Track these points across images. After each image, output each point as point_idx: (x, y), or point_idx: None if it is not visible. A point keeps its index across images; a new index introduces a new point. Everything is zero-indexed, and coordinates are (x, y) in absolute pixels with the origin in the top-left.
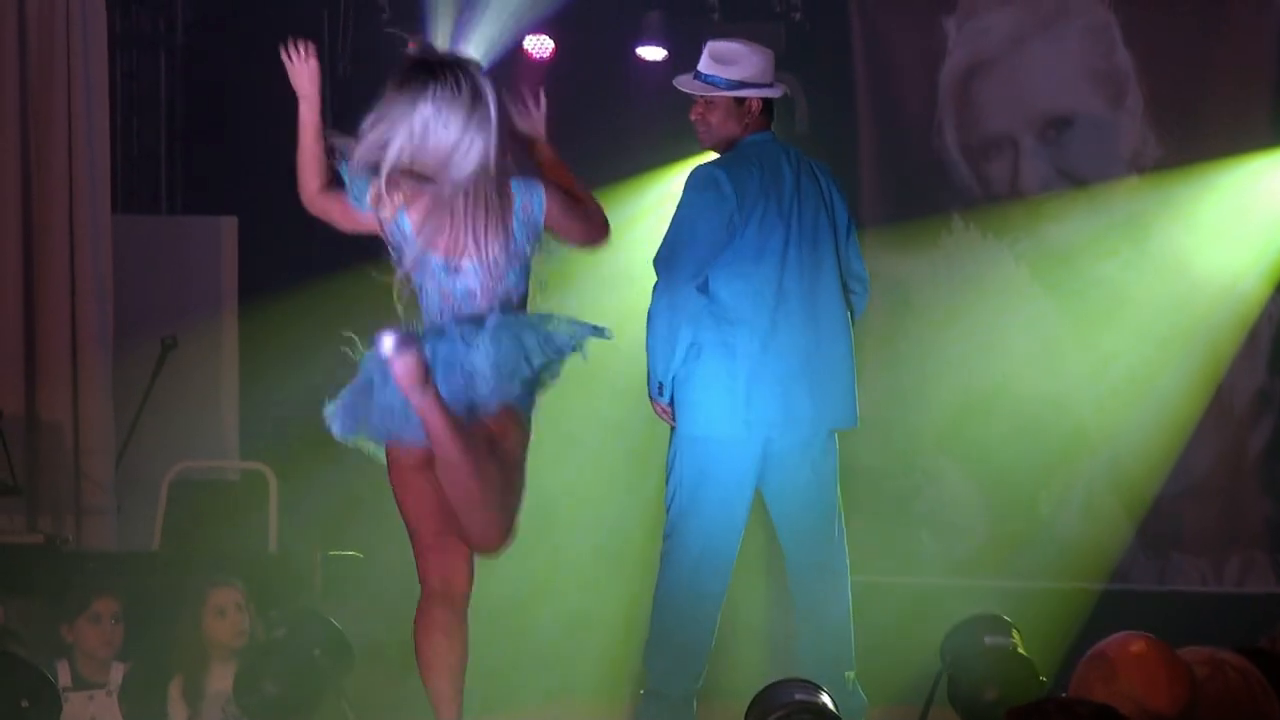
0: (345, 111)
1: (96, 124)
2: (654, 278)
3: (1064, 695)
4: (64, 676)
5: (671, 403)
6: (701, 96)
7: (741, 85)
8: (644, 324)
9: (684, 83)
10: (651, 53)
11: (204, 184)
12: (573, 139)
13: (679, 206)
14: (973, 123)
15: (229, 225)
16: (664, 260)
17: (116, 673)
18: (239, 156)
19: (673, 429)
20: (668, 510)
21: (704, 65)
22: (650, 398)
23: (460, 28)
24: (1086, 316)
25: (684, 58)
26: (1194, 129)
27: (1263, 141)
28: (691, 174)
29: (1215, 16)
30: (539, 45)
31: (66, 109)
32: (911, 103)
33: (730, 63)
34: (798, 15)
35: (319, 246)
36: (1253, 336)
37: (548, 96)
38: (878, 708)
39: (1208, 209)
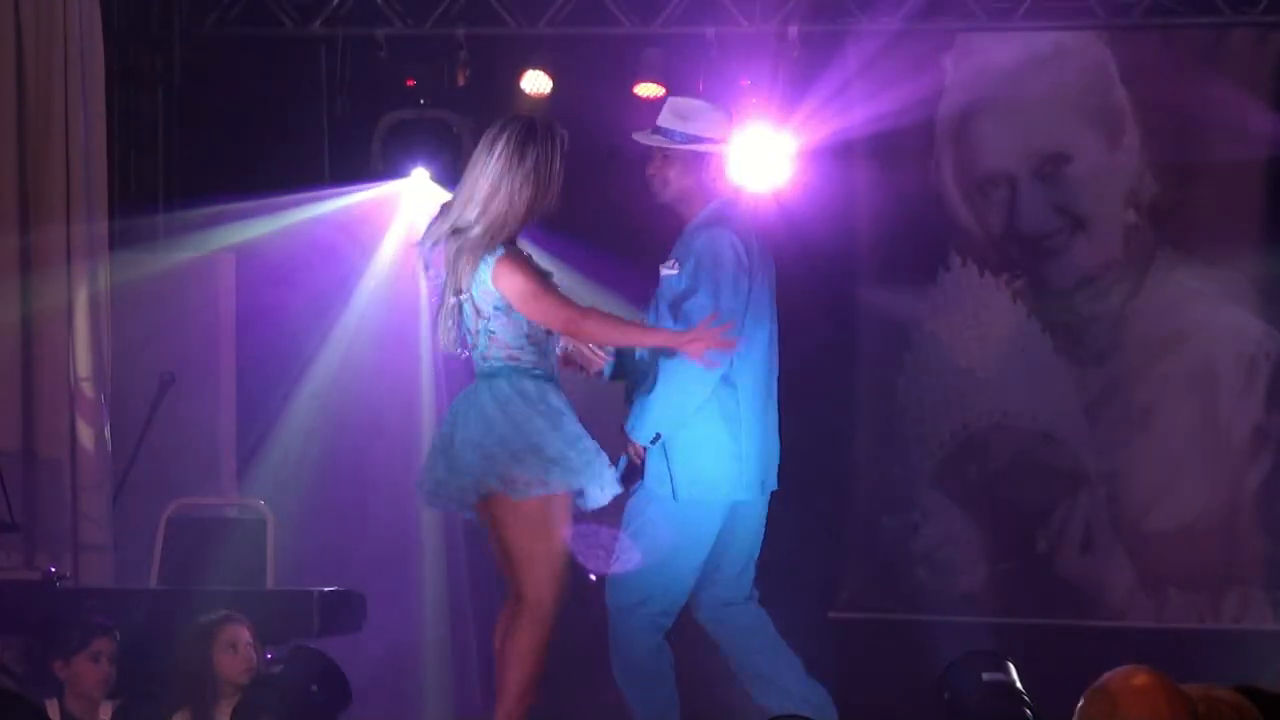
0: (344, 149)
1: (94, 161)
2: None
3: None
4: (53, 715)
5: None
6: (659, 151)
7: (699, 140)
8: None
9: (642, 136)
10: (649, 90)
11: (201, 221)
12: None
13: (718, 272)
14: (970, 160)
15: (226, 262)
16: None
17: (105, 712)
18: (236, 194)
19: (638, 486)
20: (623, 571)
21: (662, 120)
22: (632, 438)
23: None
24: (1084, 354)
25: (684, 94)
26: (1191, 166)
27: (1258, 177)
28: (718, 242)
29: (1211, 54)
30: (536, 83)
31: (64, 145)
32: (909, 140)
33: (689, 118)
34: (795, 54)
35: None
36: (1250, 373)
37: None
38: None
39: (1205, 247)
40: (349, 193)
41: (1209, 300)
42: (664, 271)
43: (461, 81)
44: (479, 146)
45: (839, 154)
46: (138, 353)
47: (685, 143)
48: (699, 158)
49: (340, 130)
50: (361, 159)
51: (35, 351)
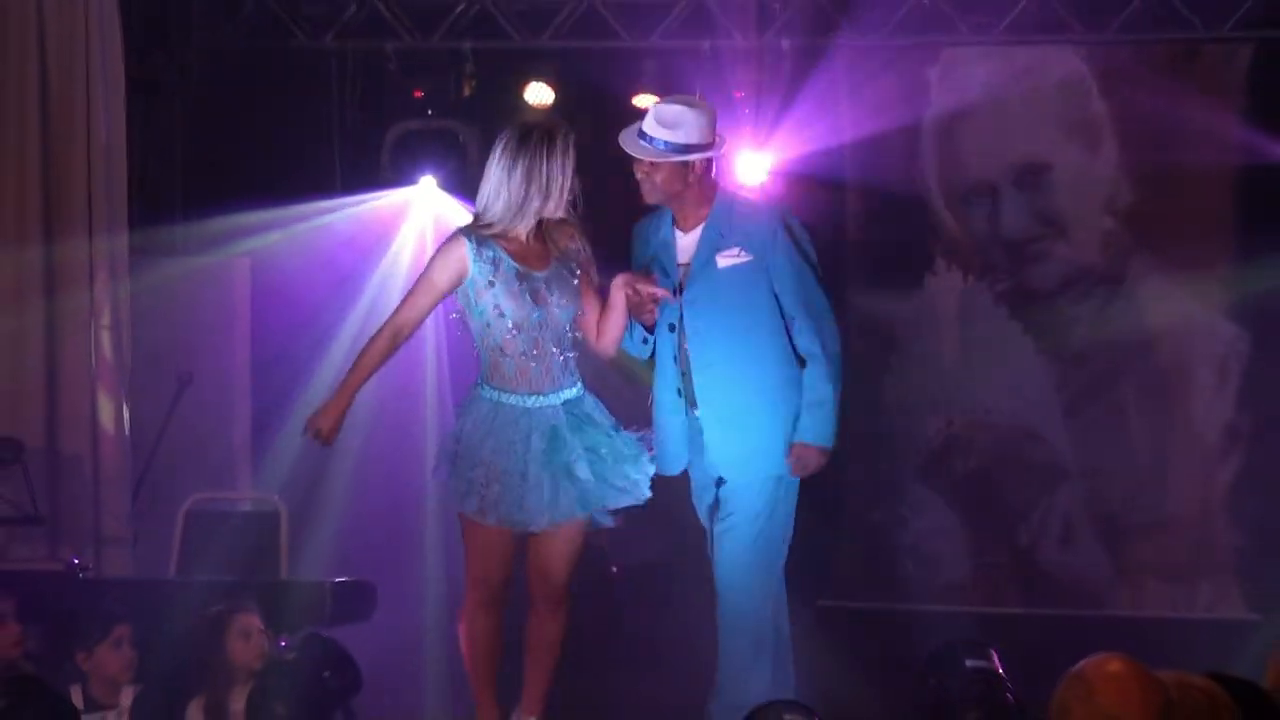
0: (355, 158)
1: (114, 169)
2: None
3: (1042, 716)
4: (76, 701)
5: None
6: (647, 159)
7: (686, 149)
8: None
9: (630, 145)
10: (647, 101)
11: (217, 227)
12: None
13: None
14: (954, 169)
15: (242, 266)
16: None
17: (126, 696)
18: (251, 199)
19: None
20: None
21: (649, 128)
22: (826, 449)
23: None
24: (1063, 354)
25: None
26: (1165, 175)
27: (1229, 185)
28: (795, 221)
29: (1184, 68)
30: (539, 94)
31: (86, 154)
32: (896, 150)
33: (674, 126)
34: (787, 67)
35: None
36: (1222, 374)
37: None
38: None
39: (1179, 252)
40: (359, 200)
41: (1183, 303)
42: (730, 260)
43: (467, 93)
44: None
45: (827, 161)
46: (157, 353)
47: (671, 152)
48: (686, 163)
49: (351, 139)
50: (371, 167)
51: (59, 352)
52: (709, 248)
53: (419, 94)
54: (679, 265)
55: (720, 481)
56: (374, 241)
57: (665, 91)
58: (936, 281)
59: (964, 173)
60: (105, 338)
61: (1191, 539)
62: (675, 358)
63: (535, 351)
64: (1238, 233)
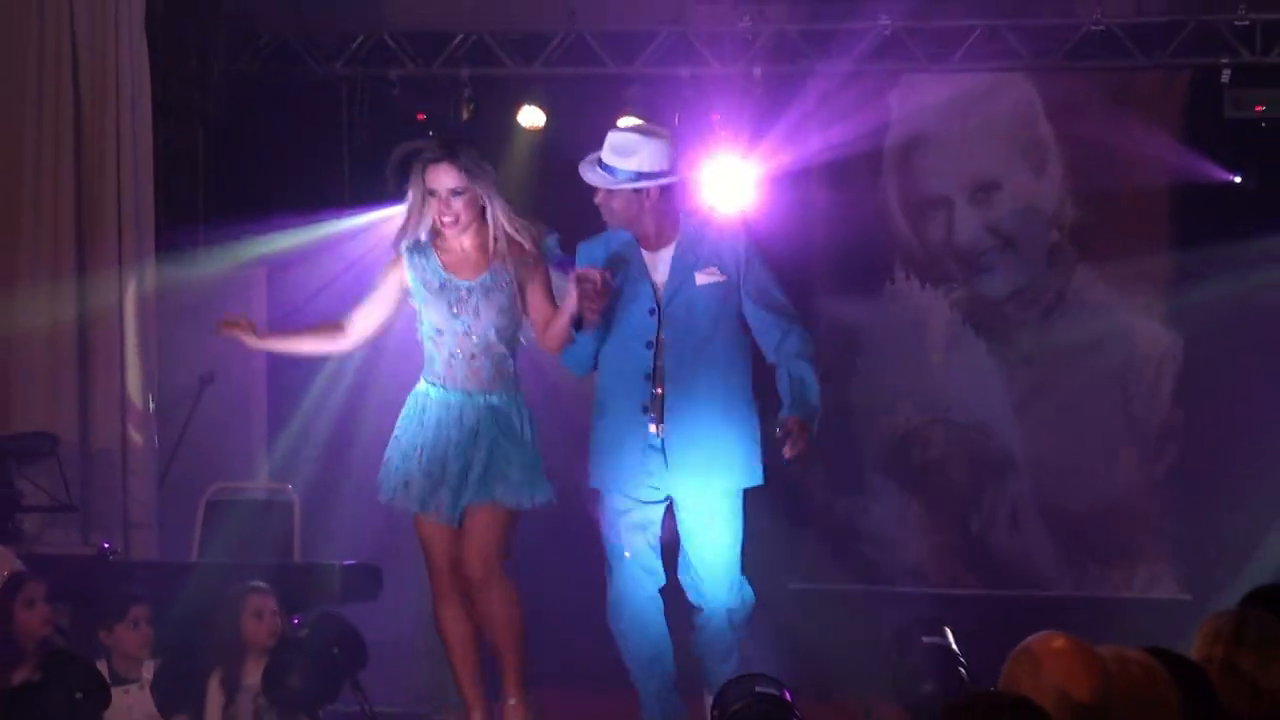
0: (362, 176)
1: (142, 185)
2: None
3: (993, 689)
4: (103, 672)
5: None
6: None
7: (639, 176)
8: None
9: (588, 175)
10: (630, 123)
11: (236, 239)
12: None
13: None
14: (913, 185)
15: (258, 275)
16: None
17: (148, 670)
18: (267, 213)
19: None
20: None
21: (605, 156)
22: (813, 432)
23: None
24: (1013, 356)
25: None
26: (1107, 192)
27: (1166, 202)
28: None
29: (1125, 93)
30: (531, 117)
31: (116, 171)
32: (860, 168)
33: (629, 154)
34: (760, 92)
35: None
36: (1158, 374)
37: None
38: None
39: (1119, 263)
40: (366, 213)
41: (1122, 310)
42: (707, 279)
43: (466, 116)
44: None
45: (798, 179)
46: (180, 355)
47: (626, 181)
48: (641, 191)
49: (358, 158)
50: (378, 183)
51: (91, 354)
52: (685, 267)
53: (421, 116)
54: (656, 284)
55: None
56: (379, 252)
57: (649, 114)
58: (896, 289)
59: (921, 189)
60: (133, 340)
61: (1129, 526)
62: (647, 375)
63: (459, 354)
64: (1173, 246)
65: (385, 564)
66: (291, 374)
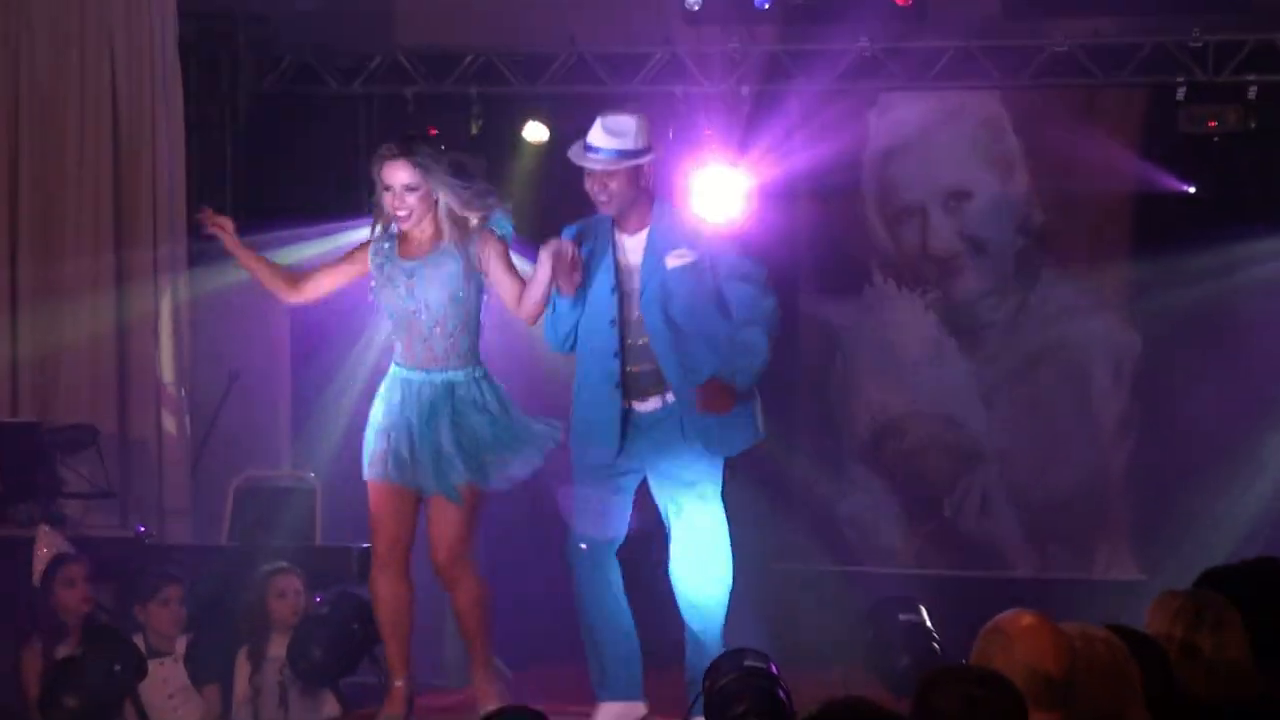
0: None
1: (176, 195)
2: None
3: (964, 663)
4: (140, 646)
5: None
6: (601, 169)
7: (638, 154)
8: None
9: (583, 159)
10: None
11: (264, 244)
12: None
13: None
14: (890, 194)
15: None
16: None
17: (181, 644)
18: (290, 219)
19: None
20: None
21: (597, 140)
22: (734, 397)
23: None
24: (982, 354)
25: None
26: (1070, 200)
27: (1125, 210)
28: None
29: (1087, 109)
30: (535, 132)
31: (151, 183)
32: (841, 178)
33: (622, 134)
34: (748, 109)
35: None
36: (1117, 370)
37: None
38: (808, 672)
39: (1081, 267)
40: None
41: (1084, 310)
42: (678, 261)
43: (475, 130)
44: None
45: (783, 188)
46: (210, 354)
47: (625, 159)
48: (637, 169)
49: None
50: None
51: (128, 352)
52: (657, 250)
53: (433, 131)
54: (624, 266)
55: (658, 466)
56: None
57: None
58: (874, 291)
59: (898, 197)
60: (167, 338)
61: (1090, 511)
62: (616, 352)
63: (415, 332)
64: (1131, 252)
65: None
66: (313, 369)
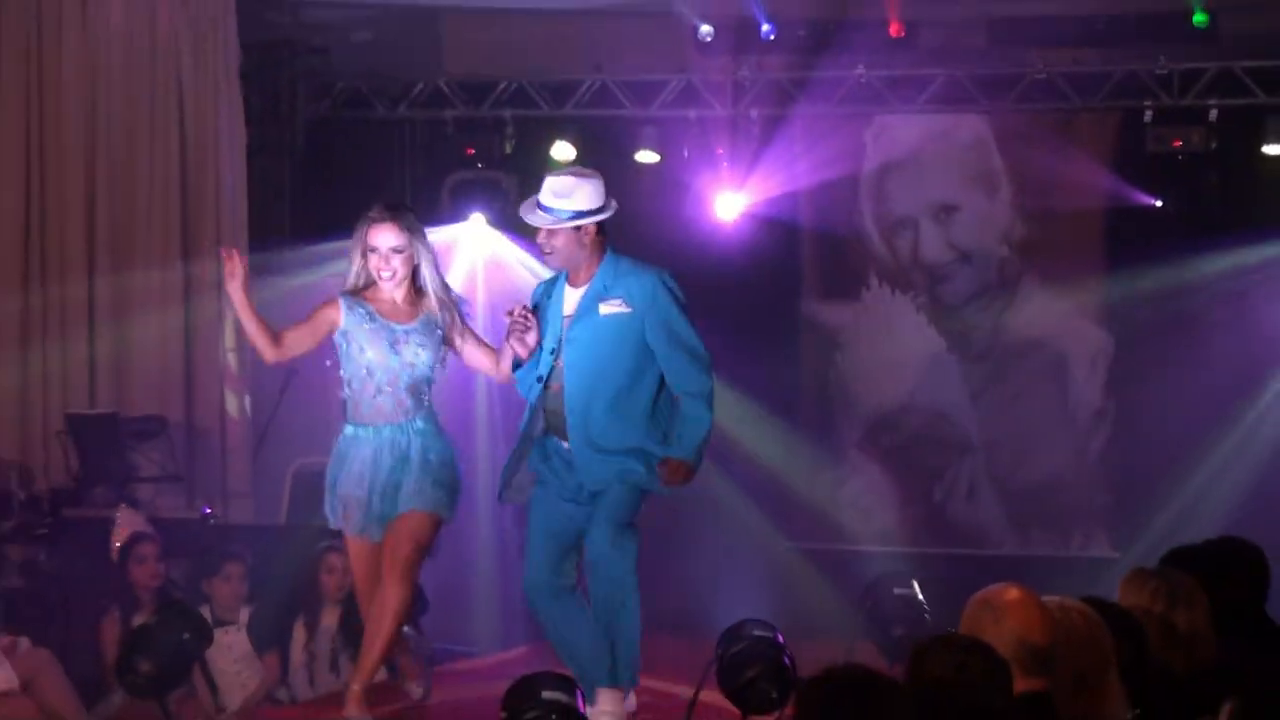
0: (421, 200)
1: (238, 210)
2: None
3: (952, 631)
4: (207, 617)
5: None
6: (544, 227)
7: (579, 215)
8: None
9: (530, 217)
10: (647, 157)
11: (317, 253)
12: None
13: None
14: (885, 208)
15: (334, 282)
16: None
17: (244, 614)
18: (341, 231)
19: (643, 491)
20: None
21: (545, 199)
22: (693, 470)
23: None
24: (969, 353)
25: (673, 162)
26: (1049, 214)
27: (1099, 222)
28: (673, 283)
29: (1064, 131)
30: (563, 152)
31: (215, 199)
32: (840, 193)
33: (566, 195)
34: (756, 130)
35: None
36: (1092, 368)
37: None
38: (812, 641)
39: (1059, 274)
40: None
41: (1062, 314)
42: (611, 309)
43: (508, 150)
44: None
45: (788, 202)
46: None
47: (568, 220)
48: (580, 228)
49: (418, 185)
50: (434, 207)
51: (195, 350)
52: (594, 297)
53: (470, 151)
54: (564, 316)
55: (579, 497)
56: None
57: (662, 149)
58: (870, 295)
59: (892, 211)
60: (230, 339)
61: (1067, 495)
62: (542, 407)
63: (388, 390)
64: (1105, 259)
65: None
66: None
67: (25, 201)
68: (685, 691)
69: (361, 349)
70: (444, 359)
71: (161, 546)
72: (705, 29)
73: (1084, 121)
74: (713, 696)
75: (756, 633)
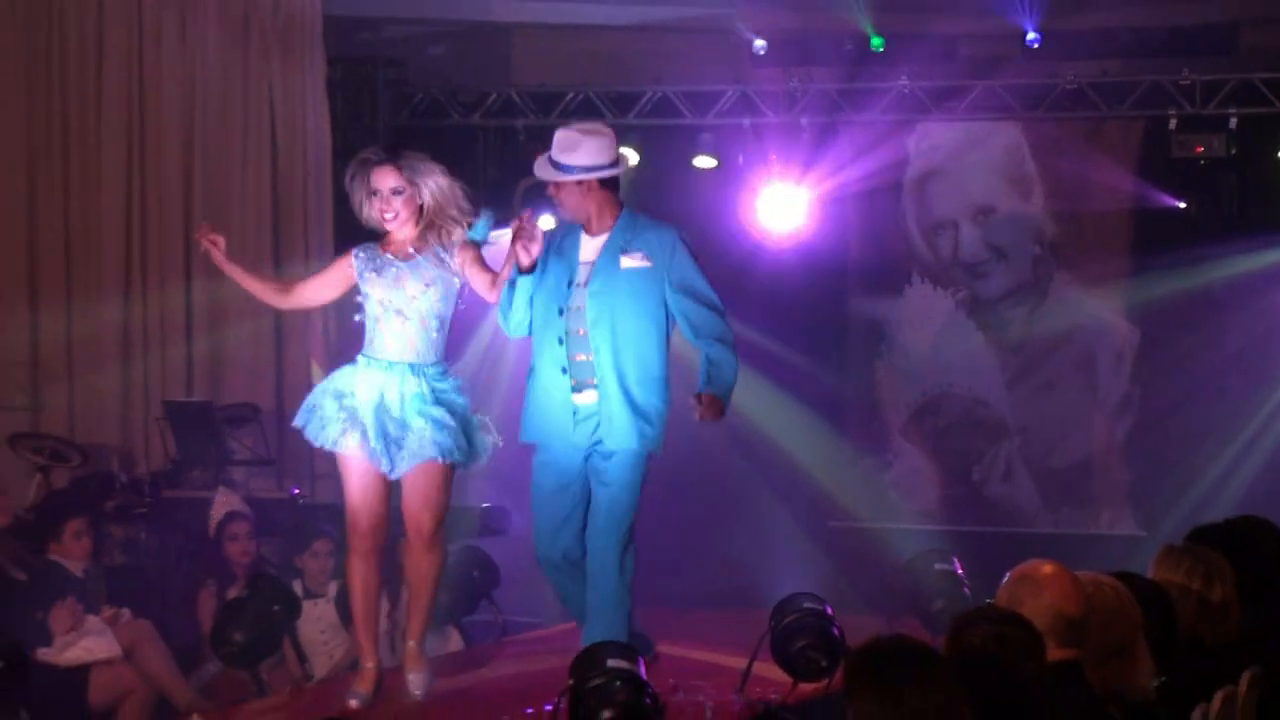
0: (494, 203)
1: (325, 216)
2: None
3: (989, 603)
4: (298, 591)
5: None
6: (550, 180)
7: (584, 170)
8: None
9: (540, 171)
10: (704, 162)
11: None
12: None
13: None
14: (927, 210)
15: None
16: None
17: (332, 588)
18: None
19: (649, 457)
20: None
21: (554, 154)
22: (725, 409)
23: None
24: (1005, 344)
25: (729, 167)
26: (1079, 215)
27: (1125, 223)
28: (689, 238)
29: (1094, 137)
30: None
31: (304, 206)
32: (885, 195)
33: (571, 149)
34: (806, 137)
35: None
36: (1119, 358)
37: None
38: (857, 614)
39: (1088, 271)
40: (498, 230)
41: (1091, 307)
42: (633, 263)
43: None
44: None
45: (836, 204)
46: (351, 342)
47: (573, 174)
48: (583, 182)
49: (492, 190)
50: (506, 209)
51: (284, 343)
52: (614, 250)
53: (539, 156)
54: (583, 262)
55: (591, 454)
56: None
57: (718, 154)
58: (913, 291)
59: (933, 213)
60: (318, 331)
61: (1096, 477)
62: (561, 339)
63: (396, 328)
64: (1131, 257)
65: (512, 506)
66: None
67: (127, 202)
68: (740, 660)
69: (370, 288)
70: (458, 295)
71: (254, 525)
72: (759, 43)
73: (1112, 129)
74: (766, 665)
75: (807, 605)
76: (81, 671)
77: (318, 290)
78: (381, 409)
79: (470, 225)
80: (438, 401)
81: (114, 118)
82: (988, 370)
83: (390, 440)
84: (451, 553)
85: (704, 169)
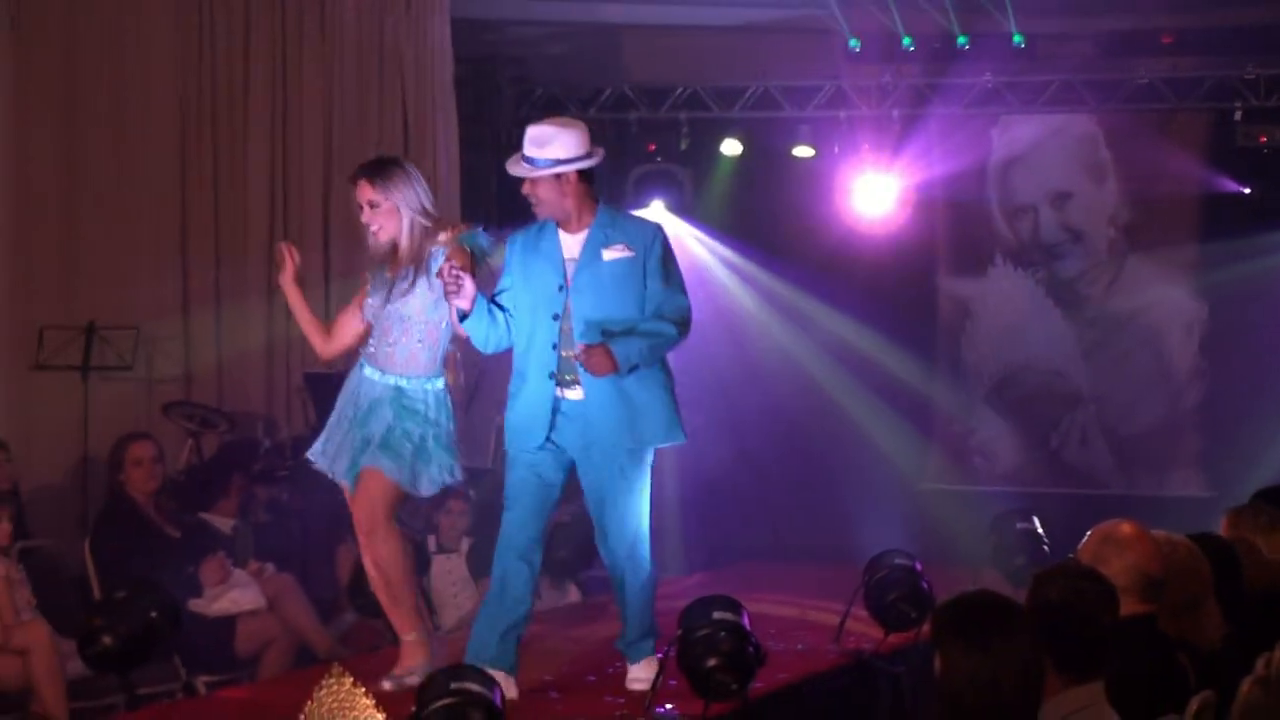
0: (609, 190)
1: (452, 200)
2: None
3: (1070, 558)
4: (431, 545)
5: None
6: (525, 176)
7: (556, 163)
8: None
9: (512, 168)
10: (803, 151)
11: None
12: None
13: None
14: (1008, 196)
15: None
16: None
17: (465, 543)
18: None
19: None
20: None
21: (526, 149)
22: (614, 369)
23: None
24: (1081, 319)
25: (826, 156)
26: (1151, 200)
27: (1193, 207)
28: (666, 235)
29: (1165, 127)
30: (731, 147)
31: (432, 188)
32: (972, 183)
33: (545, 144)
34: (896, 128)
35: None
36: (1188, 332)
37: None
38: (944, 569)
39: (1159, 252)
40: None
41: (1161, 286)
42: (615, 255)
43: (684, 146)
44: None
45: (925, 191)
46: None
47: (546, 168)
48: (560, 176)
49: (605, 177)
50: (620, 195)
51: None
52: (595, 245)
53: (651, 148)
54: (566, 260)
55: (580, 454)
56: None
57: (815, 145)
58: (996, 271)
59: (1014, 198)
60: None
61: (1168, 441)
62: (555, 344)
63: (384, 338)
64: (1199, 239)
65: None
66: None
67: (270, 197)
68: (836, 612)
69: (369, 300)
70: (430, 312)
71: None
72: (854, 41)
73: (1181, 120)
74: (860, 617)
75: (898, 561)
76: (229, 621)
77: (349, 322)
78: (349, 416)
79: (459, 234)
80: (408, 418)
81: (260, 104)
82: (1064, 344)
83: (346, 450)
84: (569, 512)
85: (802, 158)
